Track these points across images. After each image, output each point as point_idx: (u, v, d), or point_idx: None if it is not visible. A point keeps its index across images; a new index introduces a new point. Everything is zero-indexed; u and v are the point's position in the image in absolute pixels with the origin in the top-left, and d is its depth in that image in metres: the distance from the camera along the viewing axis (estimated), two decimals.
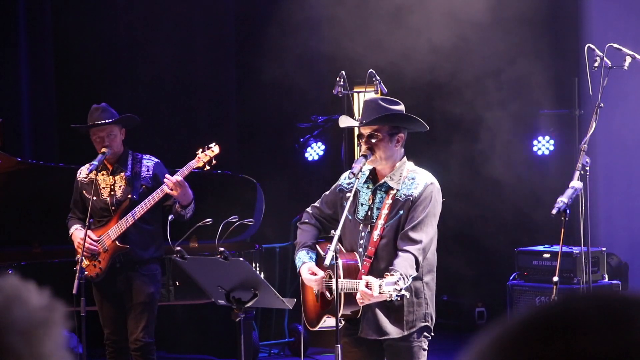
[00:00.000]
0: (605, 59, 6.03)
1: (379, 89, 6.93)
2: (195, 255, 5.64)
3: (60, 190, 6.85)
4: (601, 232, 8.84)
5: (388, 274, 4.45)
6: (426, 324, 4.74)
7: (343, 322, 4.75)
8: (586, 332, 0.99)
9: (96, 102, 6.48)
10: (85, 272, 6.17)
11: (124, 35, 9.26)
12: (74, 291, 5.97)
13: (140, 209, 6.21)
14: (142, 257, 6.33)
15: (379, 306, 4.65)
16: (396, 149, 4.76)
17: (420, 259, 4.60)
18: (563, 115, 8.68)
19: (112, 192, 6.36)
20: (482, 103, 8.73)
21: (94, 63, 9.04)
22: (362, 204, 4.79)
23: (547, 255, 7.74)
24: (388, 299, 4.37)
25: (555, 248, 7.61)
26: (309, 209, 5.05)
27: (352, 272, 4.70)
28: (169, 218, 5.52)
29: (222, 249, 4.83)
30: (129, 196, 6.30)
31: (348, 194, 4.77)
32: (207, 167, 6.21)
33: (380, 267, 4.64)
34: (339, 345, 4.63)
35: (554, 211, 5.41)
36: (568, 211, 5.41)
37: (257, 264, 7.53)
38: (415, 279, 4.62)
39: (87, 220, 6.20)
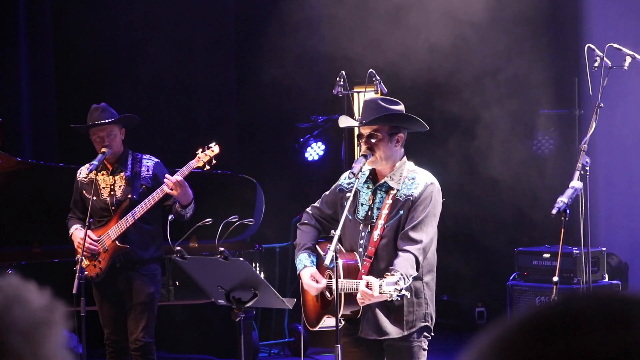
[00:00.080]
0: (605, 59, 6.03)
1: (379, 89, 6.93)
2: (195, 255, 5.64)
3: (60, 190, 6.84)
4: (601, 232, 8.84)
5: (388, 273, 4.45)
6: (426, 324, 4.74)
7: (343, 322, 4.75)
8: (586, 332, 0.99)
9: (96, 102, 6.48)
10: (85, 272, 6.17)
11: (123, 35, 9.26)
12: (74, 291, 5.97)
13: (140, 209, 6.20)
14: (142, 257, 6.33)
15: (379, 306, 4.65)
16: (396, 149, 4.76)
17: (420, 259, 4.60)
18: (563, 115, 8.68)
19: (112, 192, 6.36)
20: (482, 103, 8.73)
21: (94, 63, 9.04)
22: (362, 204, 4.79)
23: (547, 255, 7.74)
24: (388, 299, 4.37)
25: (555, 248, 7.61)
26: (308, 210, 5.05)
27: (352, 272, 4.70)
28: (169, 218, 5.53)
29: (222, 249, 4.83)
30: (129, 196, 6.30)
31: (348, 194, 4.77)
32: (207, 167, 6.21)
33: (380, 267, 4.64)
34: (339, 345, 4.63)
35: (554, 211, 5.41)
36: (568, 211, 5.41)
37: (257, 264, 7.53)
38: (415, 279, 4.62)
39: (87, 220, 6.20)
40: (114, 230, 6.26)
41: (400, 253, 4.58)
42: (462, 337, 7.17)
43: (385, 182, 4.76)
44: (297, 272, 4.91)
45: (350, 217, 4.78)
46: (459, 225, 8.67)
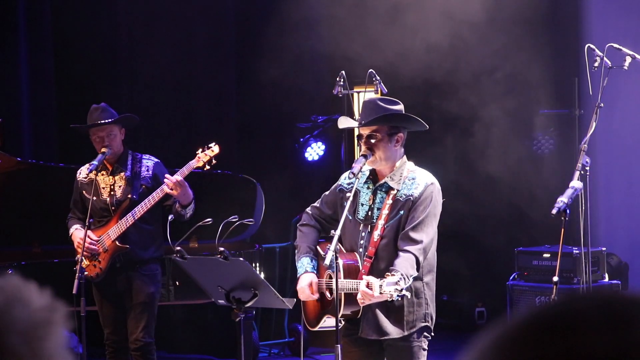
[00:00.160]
0: (605, 59, 6.03)
1: (379, 89, 6.93)
2: (195, 255, 5.64)
3: (60, 190, 6.84)
4: (601, 232, 8.84)
5: (389, 274, 4.44)
6: (426, 324, 4.74)
7: (343, 322, 4.75)
8: (586, 332, 0.99)
9: (96, 102, 6.48)
10: (85, 272, 6.16)
11: (123, 35, 9.26)
12: (74, 291, 5.97)
13: (140, 209, 6.20)
14: (142, 257, 6.33)
15: (379, 306, 4.65)
16: (396, 149, 4.76)
17: (420, 259, 4.60)
18: (563, 115, 8.68)
19: (112, 192, 6.35)
20: (481, 103, 8.73)
21: (93, 63, 9.04)
22: (362, 204, 4.79)
23: (547, 255, 7.74)
24: (389, 299, 4.37)
25: (555, 248, 7.61)
26: (308, 210, 5.04)
27: (352, 272, 4.70)
28: (169, 218, 5.52)
29: (222, 249, 4.83)
30: (129, 196, 6.30)
31: (348, 194, 4.77)
32: (207, 167, 6.21)
33: (380, 267, 4.64)
34: (339, 345, 4.63)
35: (554, 211, 5.41)
36: (568, 211, 5.41)
37: (257, 264, 7.53)
38: (415, 279, 4.62)
39: (87, 220, 6.20)
40: (114, 230, 6.26)
41: (400, 253, 4.58)
42: (462, 337, 7.17)
43: (385, 182, 4.76)
44: (298, 275, 4.91)
45: (350, 217, 4.78)
46: (459, 225, 8.67)
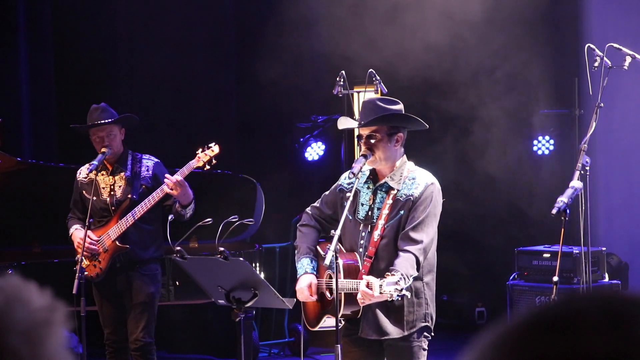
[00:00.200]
0: (605, 58, 6.03)
1: (379, 89, 6.94)
2: (195, 255, 5.64)
3: (60, 190, 6.84)
4: (601, 232, 8.84)
5: (389, 274, 4.44)
6: (426, 324, 4.74)
7: (343, 322, 4.75)
8: (587, 332, 0.99)
9: (96, 102, 6.48)
10: (85, 272, 6.16)
11: (123, 35, 9.26)
12: (74, 291, 5.97)
13: (140, 209, 6.20)
14: (142, 257, 6.33)
15: (379, 306, 4.65)
16: (395, 149, 4.75)
17: (421, 259, 4.60)
18: (563, 115, 8.68)
19: (112, 192, 6.36)
20: (481, 102, 8.73)
21: (93, 63, 9.04)
22: (362, 204, 4.79)
23: (547, 255, 7.74)
24: (389, 299, 4.37)
25: (555, 248, 7.61)
26: (308, 210, 5.04)
27: (352, 272, 4.70)
28: (169, 218, 5.52)
29: (222, 249, 4.83)
30: (129, 196, 6.30)
31: (348, 194, 4.77)
32: (207, 167, 6.21)
33: (380, 267, 4.64)
34: (339, 345, 4.63)
35: (554, 211, 5.41)
36: (568, 211, 5.42)
37: (257, 264, 7.53)
38: (415, 279, 4.62)
39: (87, 220, 6.20)
40: (114, 230, 6.26)
41: (400, 253, 4.58)
42: (462, 337, 7.17)
43: (385, 182, 4.76)
44: (298, 276, 4.91)
45: (350, 217, 4.78)
46: (459, 225, 8.67)
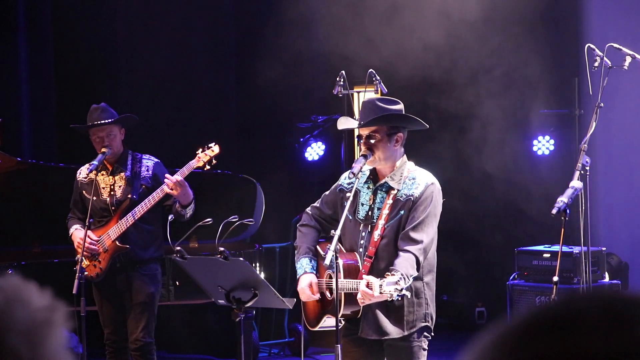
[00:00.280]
0: (605, 58, 6.03)
1: (379, 89, 6.94)
2: (195, 255, 5.64)
3: (60, 190, 6.84)
4: (601, 232, 8.84)
5: (389, 273, 4.45)
6: (426, 324, 4.74)
7: (343, 322, 4.75)
8: (587, 332, 0.99)
9: (96, 102, 6.48)
10: (85, 272, 6.17)
11: (123, 35, 9.26)
12: (74, 291, 5.97)
13: (140, 209, 6.20)
14: (142, 257, 6.33)
15: (379, 306, 4.65)
16: (395, 149, 4.75)
17: (421, 259, 4.60)
18: (563, 115, 8.68)
19: (112, 192, 6.36)
20: (481, 102, 8.73)
21: (93, 63, 9.04)
22: (362, 204, 4.79)
23: (547, 255, 7.74)
24: (389, 299, 4.37)
25: (555, 248, 7.61)
26: (308, 210, 5.04)
27: (352, 272, 4.70)
28: (169, 218, 5.53)
29: (222, 249, 4.83)
30: (129, 196, 6.30)
31: (348, 194, 4.77)
32: (207, 167, 6.21)
33: (380, 267, 4.64)
34: (339, 345, 4.63)
35: (554, 211, 5.41)
36: (568, 211, 5.42)
37: (257, 264, 7.53)
38: (415, 279, 4.62)
39: (87, 220, 6.20)
40: (114, 230, 6.26)
41: (400, 253, 4.58)
42: (462, 337, 7.18)
43: (385, 182, 4.76)
44: (297, 276, 4.91)
45: (350, 217, 4.78)
46: (459, 225, 8.67)
